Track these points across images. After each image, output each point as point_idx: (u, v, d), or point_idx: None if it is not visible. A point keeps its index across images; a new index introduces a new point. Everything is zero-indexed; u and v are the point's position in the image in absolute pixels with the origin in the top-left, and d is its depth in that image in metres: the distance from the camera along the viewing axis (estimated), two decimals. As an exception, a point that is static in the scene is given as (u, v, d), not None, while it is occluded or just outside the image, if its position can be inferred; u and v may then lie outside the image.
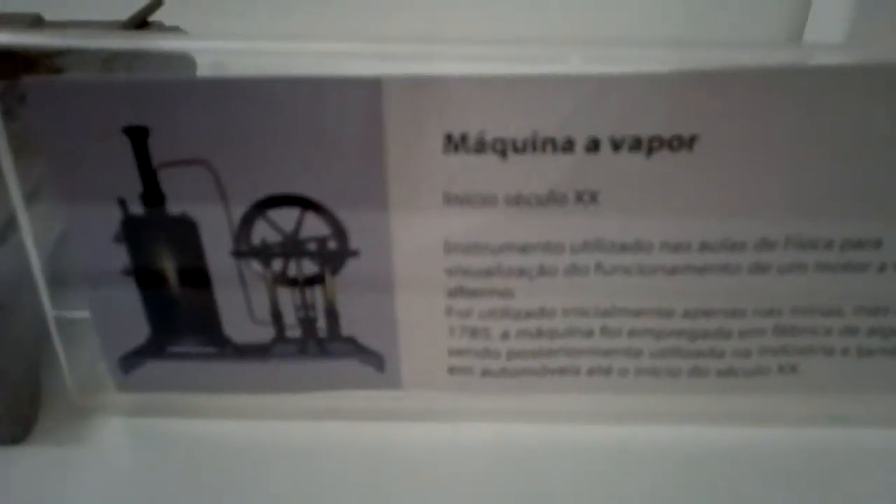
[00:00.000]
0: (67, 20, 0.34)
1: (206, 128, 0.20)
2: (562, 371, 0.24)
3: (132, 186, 0.21)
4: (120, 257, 0.22)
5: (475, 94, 0.19)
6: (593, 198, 0.21)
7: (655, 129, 0.20)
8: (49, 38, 0.20)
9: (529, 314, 0.23)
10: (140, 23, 0.37)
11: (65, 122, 0.20)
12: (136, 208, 0.21)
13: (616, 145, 0.20)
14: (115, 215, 0.21)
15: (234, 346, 0.23)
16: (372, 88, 0.19)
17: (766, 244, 0.21)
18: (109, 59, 0.25)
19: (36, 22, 0.35)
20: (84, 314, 0.23)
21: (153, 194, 0.21)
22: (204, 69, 0.28)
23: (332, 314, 0.23)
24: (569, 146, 0.20)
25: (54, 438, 0.24)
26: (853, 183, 0.20)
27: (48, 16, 0.35)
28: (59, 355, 0.23)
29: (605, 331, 0.23)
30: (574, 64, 0.19)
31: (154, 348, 0.24)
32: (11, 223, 0.22)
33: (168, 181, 0.21)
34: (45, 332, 0.23)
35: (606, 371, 0.24)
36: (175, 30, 0.38)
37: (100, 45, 0.20)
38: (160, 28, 0.38)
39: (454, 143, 0.20)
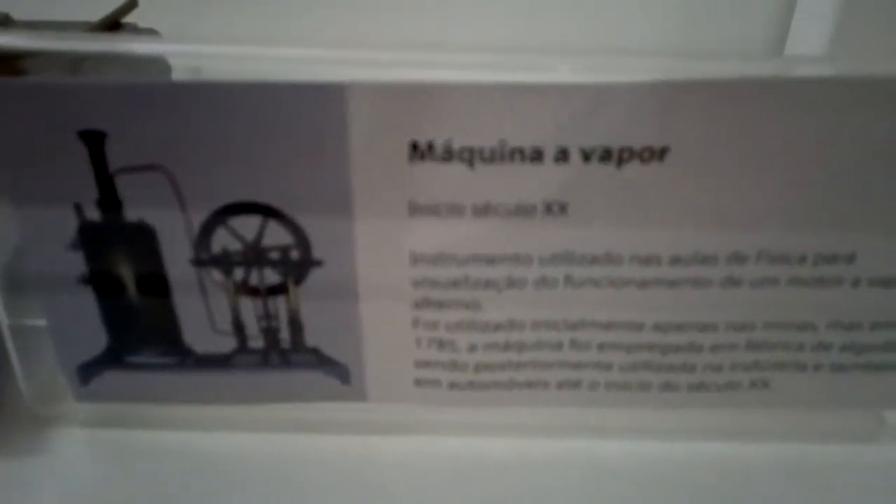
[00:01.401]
0: (38, 20, 0.33)
1: (165, 133, 0.19)
2: (530, 384, 0.23)
3: (89, 192, 0.20)
4: (76, 264, 0.21)
5: (442, 101, 0.19)
6: (563, 209, 0.20)
7: (626, 141, 0.19)
8: (14, 39, 0.19)
9: (497, 326, 0.22)
10: (113, 24, 0.37)
11: (18, 126, 0.19)
12: (93, 214, 0.21)
13: (586, 156, 0.19)
14: (72, 221, 0.21)
15: (195, 357, 0.23)
16: (336, 95, 0.19)
17: (738, 258, 0.21)
18: (78, 62, 0.24)
19: (3, 21, 0.34)
20: (41, 322, 0.22)
21: (110, 200, 0.20)
22: (181, 73, 0.27)
23: (295, 324, 0.22)
24: (537, 156, 0.19)
25: (10, 449, 0.24)
26: (826, 197, 0.20)
27: (20, 14, 0.35)
28: (15, 364, 0.23)
29: (574, 344, 0.22)
30: (561, 73, 0.19)
31: (112, 358, 0.23)
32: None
33: (126, 187, 0.20)
34: (0, 341, 0.22)
35: (576, 384, 0.23)
36: (150, 32, 0.37)
37: (66, 48, 0.20)
38: (133, 30, 0.37)
39: (420, 152, 0.19)
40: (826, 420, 0.24)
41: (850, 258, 0.21)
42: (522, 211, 0.20)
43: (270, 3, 0.47)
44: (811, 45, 0.46)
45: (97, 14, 0.35)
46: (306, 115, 0.19)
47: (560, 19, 0.49)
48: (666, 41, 0.50)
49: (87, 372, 0.23)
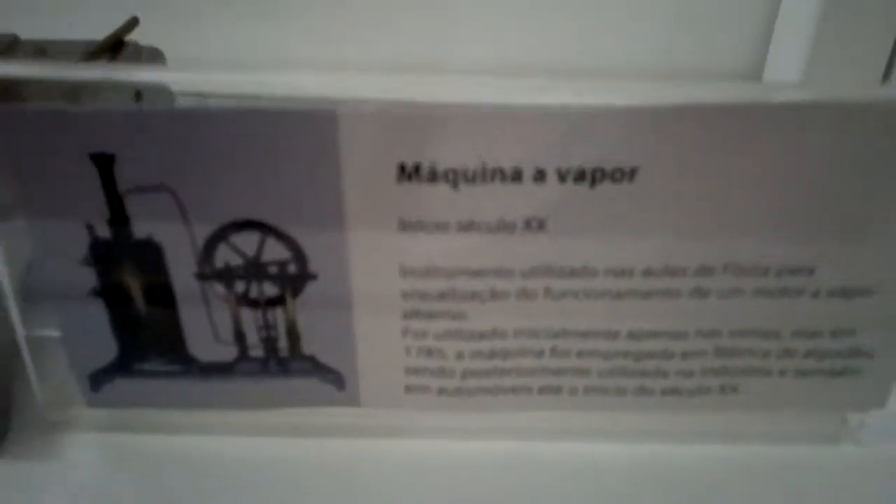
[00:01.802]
0: (43, 39, 0.35)
1: (170, 156, 0.21)
2: (514, 390, 0.25)
3: (99, 211, 0.22)
4: (88, 278, 0.23)
5: (427, 125, 0.20)
6: (541, 225, 0.22)
7: (598, 162, 0.21)
8: (21, 68, 0.21)
9: (482, 335, 0.24)
10: (116, 43, 0.38)
11: (33, 149, 0.21)
12: (104, 231, 0.22)
13: (561, 176, 0.21)
14: (84, 238, 0.22)
15: (199, 365, 0.24)
16: (328, 120, 0.20)
17: (705, 270, 0.22)
18: (77, 89, 0.26)
19: (12, 44, 0.35)
20: (54, 333, 0.24)
21: (119, 218, 0.22)
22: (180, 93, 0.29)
23: (292, 334, 0.24)
24: (517, 176, 0.21)
25: (25, 452, 0.25)
26: (788, 214, 0.21)
27: (26, 32, 0.36)
28: (30, 372, 0.24)
29: (554, 351, 0.24)
30: (540, 96, 0.20)
31: (122, 366, 0.24)
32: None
33: (134, 206, 0.22)
34: (16, 349, 0.24)
35: (556, 390, 0.25)
36: (153, 52, 0.39)
37: (66, 77, 0.21)
38: (136, 48, 0.39)
39: (408, 173, 0.21)
40: (792, 422, 0.25)
41: (811, 271, 0.22)
42: (504, 227, 0.22)
43: (267, 19, 0.49)
44: (789, 67, 0.48)
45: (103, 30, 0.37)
46: (301, 139, 0.20)
47: (544, 39, 0.51)
48: (646, 63, 0.52)
49: (98, 379, 0.25)
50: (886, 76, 0.46)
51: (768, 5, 0.50)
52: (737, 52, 0.52)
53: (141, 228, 0.22)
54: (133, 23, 0.39)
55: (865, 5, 0.44)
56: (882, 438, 0.25)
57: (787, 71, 0.48)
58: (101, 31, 0.38)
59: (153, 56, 0.39)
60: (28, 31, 0.36)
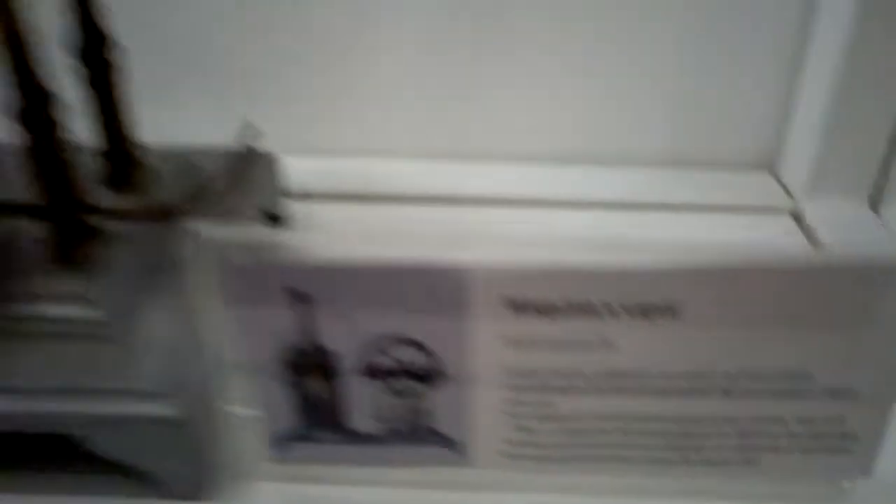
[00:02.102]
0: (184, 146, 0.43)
1: (347, 291, 0.30)
2: (592, 458, 0.33)
3: (294, 323, 0.31)
4: (280, 370, 0.32)
5: (535, 276, 0.29)
6: (611, 344, 0.30)
7: (654, 300, 0.29)
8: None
9: (568, 417, 0.32)
10: (245, 151, 0.46)
11: (249, 285, 0.30)
12: (296, 339, 0.31)
13: (624, 308, 0.29)
14: (279, 341, 0.31)
15: (357, 435, 0.33)
16: (459, 275, 0.29)
17: (730, 376, 0.31)
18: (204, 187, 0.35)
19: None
20: (249, 408, 0.33)
21: (309, 333, 0.31)
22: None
23: (425, 415, 0.33)
24: (592, 309, 0.30)
25: (225, 496, 0.34)
26: (795, 342, 0.30)
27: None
28: (229, 435, 0.33)
29: (620, 431, 0.32)
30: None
31: (299, 434, 0.33)
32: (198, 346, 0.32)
33: (321, 323, 0.31)
34: (219, 419, 0.33)
35: (624, 459, 0.33)
36: (270, 157, 0.47)
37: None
38: (254, 154, 0.46)
39: (516, 307, 0.30)
40: (800, 487, 0.33)
41: (809, 376, 0.30)
42: (582, 345, 0.30)
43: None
44: (802, 156, 0.54)
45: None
46: (439, 286, 0.29)
47: (571, 129, 0.59)
48: (662, 153, 0.59)
49: (281, 442, 0.34)
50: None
51: (782, 98, 0.56)
52: (751, 140, 0.59)
53: (324, 339, 0.31)
54: (250, 128, 0.47)
55: (876, 103, 0.50)
56: (869, 500, 0.33)
57: (800, 160, 0.54)
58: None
59: (271, 162, 0.48)
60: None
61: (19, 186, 0.34)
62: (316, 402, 0.33)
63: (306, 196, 0.52)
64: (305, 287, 0.30)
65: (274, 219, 0.49)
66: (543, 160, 0.58)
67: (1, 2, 0.29)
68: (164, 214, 0.38)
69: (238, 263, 0.30)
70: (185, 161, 0.45)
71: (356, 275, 0.30)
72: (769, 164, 0.59)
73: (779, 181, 0.57)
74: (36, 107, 0.32)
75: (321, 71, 0.57)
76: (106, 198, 0.38)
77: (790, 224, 0.53)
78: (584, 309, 0.30)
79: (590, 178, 0.57)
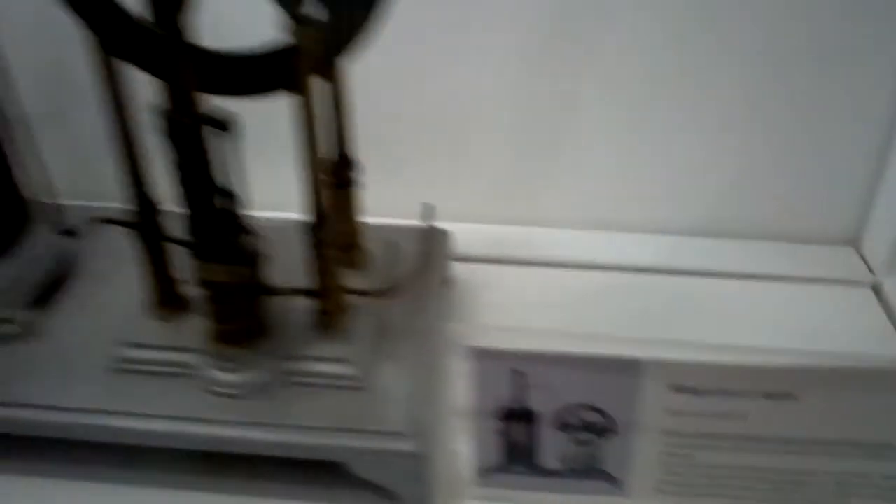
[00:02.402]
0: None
1: (552, 371, 0.42)
2: (722, 495, 0.45)
3: (510, 391, 0.43)
4: (495, 422, 0.44)
5: (694, 370, 0.41)
6: (743, 416, 0.42)
7: (777, 388, 0.41)
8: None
9: (707, 465, 0.44)
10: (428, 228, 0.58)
11: (480, 359, 0.42)
12: (509, 400, 0.43)
13: (757, 394, 0.41)
14: (497, 400, 0.43)
15: (544, 470, 0.45)
16: (635, 365, 0.41)
17: (831, 443, 0.42)
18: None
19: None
20: (466, 446, 0.45)
21: (520, 396, 0.43)
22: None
23: (598, 459, 0.44)
24: (732, 392, 0.41)
25: (442, 510, 0.46)
26: (884, 422, 0.41)
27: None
28: (450, 464, 0.46)
29: (746, 477, 0.44)
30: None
31: (501, 467, 0.46)
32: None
33: (529, 390, 0.43)
34: (445, 452, 0.45)
35: (745, 497, 0.44)
36: (443, 232, 0.59)
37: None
38: (432, 232, 0.59)
39: (676, 388, 0.41)
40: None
41: (891, 446, 0.42)
42: (722, 415, 0.42)
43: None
44: (885, 235, 0.62)
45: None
46: (619, 371, 0.41)
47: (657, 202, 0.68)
48: (753, 229, 0.68)
49: (487, 472, 0.46)
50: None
51: (868, 180, 0.64)
52: (836, 218, 0.67)
53: (531, 401, 0.43)
54: (429, 208, 0.58)
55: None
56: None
57: (881, 238, 0.63)
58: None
59: (446, 235, 0.60)
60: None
61: (299, 273, 0.46)
62: (516, 444, 0.45)
63: (473, 259, 0.64)
64: (522, 367, 0.42)
65: (447, 284, 0.61)
66: (633, 229, 0.69)
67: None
68: (395, 292, 0.50)
69: (476, 346, 0.42)
70: (388, 241, 0.57)
71: (558, 361, 0.42)
72: (853, 241, 0.68)
73: (861, 257, 0.67)
74: (320, 224, 0.44)
75: (489, 152, 0.68)
76: (352, 280, 0.50)
77: (870, 297, 0.63)
78: (727, 392, 0.41)
79: (711, 250, 0.67)
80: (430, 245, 0.58)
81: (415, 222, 0.55)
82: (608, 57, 0.62)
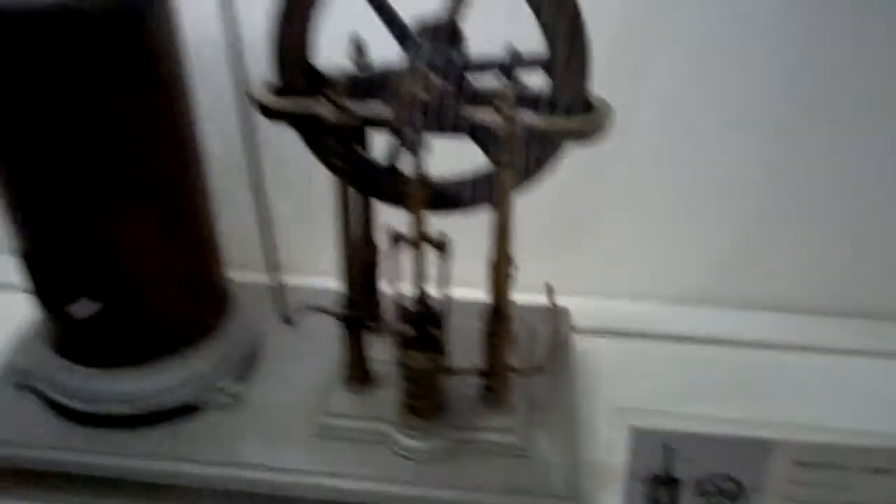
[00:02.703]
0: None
1: (695, 446, 0.51)
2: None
3: (659, 462, 0.52)
4: (644, 486, 0.53)
5: (816, 450, 0.50)
6: (852, 487, 0.51)
7: (884, 465, 0.50)
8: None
9: (816, 526, 0.53)
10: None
11: (638, 436, 0.51)
12: (657, 469, 0.52)
13: (867, 469, 0.50)
14: (648, 469, 0.52)
15: (681, 527, 0.54)
16: (765, 444, 0.50)
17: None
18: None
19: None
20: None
21: (667, 466, 0.52)
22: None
23: (729, 519, 0.54)
24: (846, 467, 0.50)
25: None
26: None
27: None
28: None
29: (848, 536, 0.53)
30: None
31: None
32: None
33: (675, 461, 0.52)
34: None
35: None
36: (564, 311, 0.69)
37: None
38: (556, 308, 0.68)
39: (801, 464, 0.51)
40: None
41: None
42: (835, 486, 0.51)
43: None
44: None
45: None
46: (752, 448, 0.50)
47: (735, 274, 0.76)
48: (833, 301, 0.75)
49: None
50: None
51: None
52: None
53: (676, 470, 0.52)
54: (550, 288, 0.67)
55: None
56: None
57: None
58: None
59: (566, 313, 0.69)
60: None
61: (471, 351, 0.55)
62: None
63: (589, 332, 0.73)
64: (673, 443, 0.51)
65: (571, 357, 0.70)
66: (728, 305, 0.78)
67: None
68: (541, 370, 0.59)
69: (638, 426, 0.51)
70: (521, 319, 0.66)
71: (705, 439, 0.51)
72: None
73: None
74: (498, 317, 0.53)
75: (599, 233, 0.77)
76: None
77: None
78: (841, 467, 0.50)
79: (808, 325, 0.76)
80: (557, 322, 0.67)
81: (534, 299, 0.62)
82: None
